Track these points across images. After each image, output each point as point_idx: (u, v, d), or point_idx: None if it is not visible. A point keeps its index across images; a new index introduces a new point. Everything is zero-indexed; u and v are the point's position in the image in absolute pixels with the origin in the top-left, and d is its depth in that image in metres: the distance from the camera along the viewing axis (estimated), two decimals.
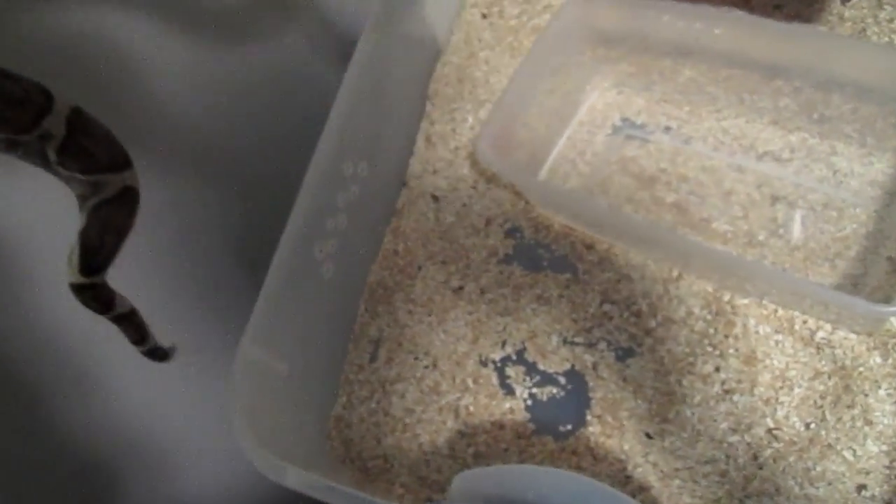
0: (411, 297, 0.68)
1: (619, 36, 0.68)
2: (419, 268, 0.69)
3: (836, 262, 0.59)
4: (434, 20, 0.75)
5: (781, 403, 0.57)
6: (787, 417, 0.56)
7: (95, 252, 0.43)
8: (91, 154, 0.42)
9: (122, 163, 0.43)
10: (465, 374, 0.65)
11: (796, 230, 0.62)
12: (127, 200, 0.44)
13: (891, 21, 0.65)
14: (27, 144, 0.41)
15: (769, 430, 0.56)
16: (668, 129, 0.68)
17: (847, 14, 0.67)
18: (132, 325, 0.48)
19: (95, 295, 0.45)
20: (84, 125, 0.42)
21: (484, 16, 0.78)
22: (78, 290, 0.44)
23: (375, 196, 0.69)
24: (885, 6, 0.66)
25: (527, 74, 0.66)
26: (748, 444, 0.56)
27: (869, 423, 0.54)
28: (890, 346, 0.55)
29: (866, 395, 0.54)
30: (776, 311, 0.58)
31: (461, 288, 0.68)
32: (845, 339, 0.56)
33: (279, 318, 0.59)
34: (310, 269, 0.62)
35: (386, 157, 0.71)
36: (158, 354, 0.51)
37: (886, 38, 0.64)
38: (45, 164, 0.42)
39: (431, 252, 0.70)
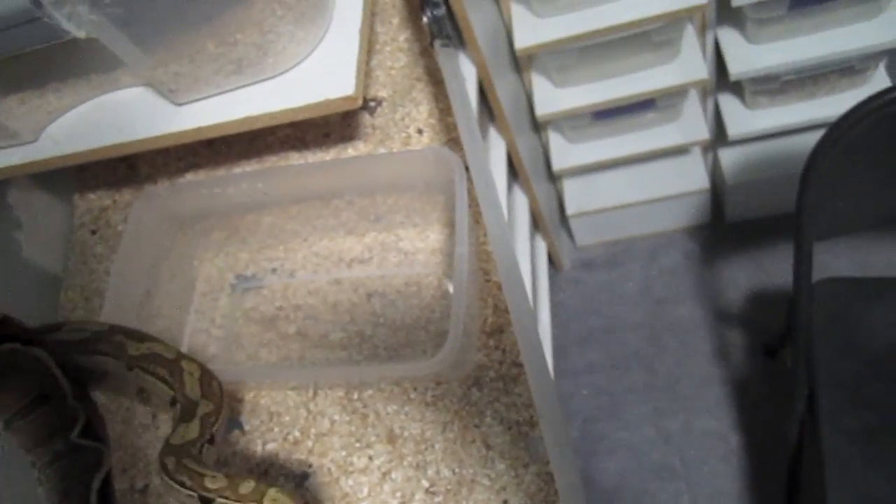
0: None
1: (202, 211, 0.77)
2: None
3: (429, 328, 0.69)
4: (42, 252, 0.79)
5: (429, 463, 0.64)
6: (437, 473, 0.64)
7: None
8: None
9: None
10: None
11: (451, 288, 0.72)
12: None
13: (403, 119, 0.78)
14: None
15: (427, 490, 0.64)
16: (274, 270, 0.77)
17: (377, 123, 0.79)
18: None
19: None
20: None
21: (93, 232, 0.84)
22: None
23: None
24: (398, 108, 0.79)
25: (123, 275, 0.71)
26: None
27: (490, 447, 0.63)
28: (481, 379, 0.65)
29: (478, 426, 0.63)
30: (392, 388, 0.66)
31: (146, 487, 0.71)
32: (449, 387, 0.65)
33: None
34: None
35: None
36: None
37: (404, 133, 0.77)
38: None
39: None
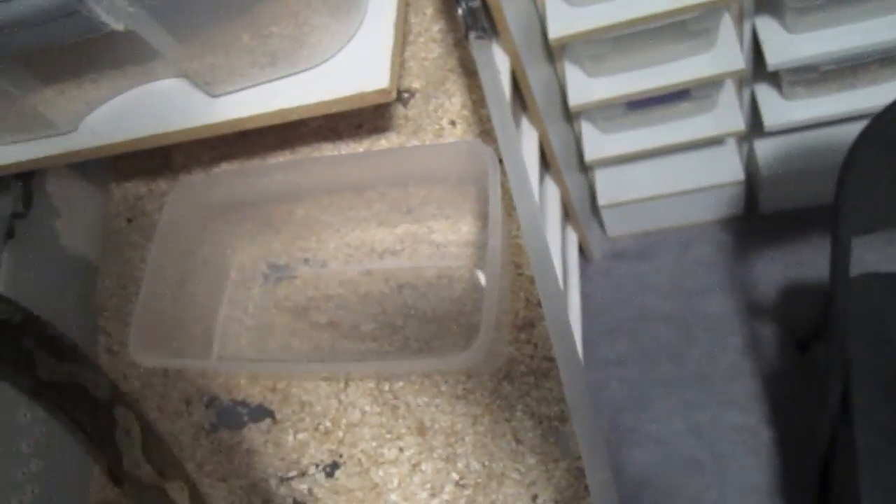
0: None
1: (236, 201, 0.77)
2: None
3: (460, 320, 0.69)
4: (79, 240, 0.81)
5: (459, 455, 0.65)
6: (467, 466, 0.64)
7: None
8: None
9: None
10: None
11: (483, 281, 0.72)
12: None
13: (436, 110, 0.78)
14: None
15: (457, 483, 0.64)
16: (306, 260, 0.77)
17: (410, 114, 0.79)
18: None
19: None
20: None
21: (129, 220, 0.85)
22: None
23: None
24: (431, 100, 0.79)
25: (158, 264, 0.72)
26: (447, 502, 0.64)
27: (520, 441, 0.63)
28: (512, 373, 0.65)
29: (509, 421, 0.63)
30: (423, 381, 0.67)
31: None
32: (480, 380, 0.65)
33: None
34: None
35: None
36: None
37: (437, 125, 0.76)
38: None
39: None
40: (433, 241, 0.73)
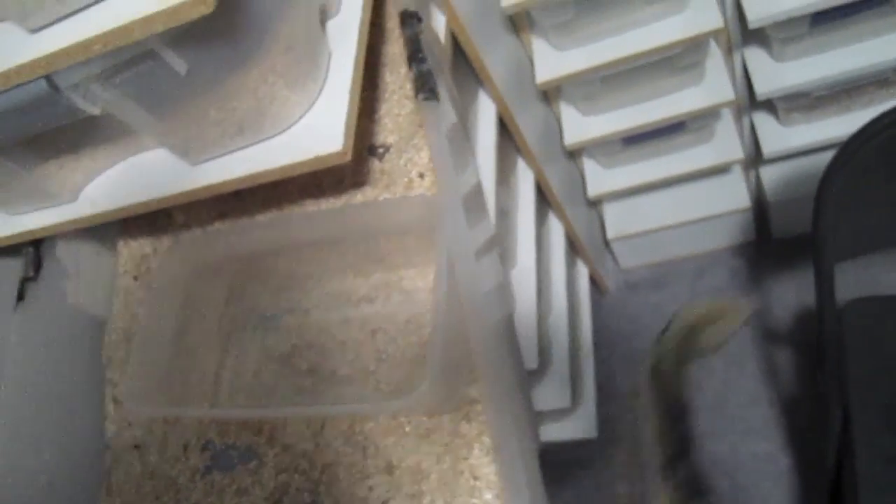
0: None
1: (226, 257, 0.83)
2: None
3: (426, 363, 0.72)
4: (88, 298, 0.88)
5: (425, 493, 0.68)
6: (432, 502, 0.67)
7: None
8: None
9: None
10: None
11: None
12: None
13: (406, 164, 0.82)
14: None
15: None
16: (291, 310, 0.82)
17: (385, 168, 0.84)
18: None
19: None
20: None
21: (135, 278, 0.92)
22: None
23: (76, 472, 0.78)
24: (403, 154, 0.84)
25: (154, 319, 0.78)
26: None
27: (477, 478, 0.66)
28: (470, 413, 0.68)
29: (466, 459, 0.67)
30: (390, 422, 0.70)
31: None
32: (440, 421, 0.69)
33: None
34: None
35: (77, 432, 0.81)
36: None
37: (407, 178, 0.81)
38: None
39: (144, 494, 0.79)
40: (403, 289, 0.77)
